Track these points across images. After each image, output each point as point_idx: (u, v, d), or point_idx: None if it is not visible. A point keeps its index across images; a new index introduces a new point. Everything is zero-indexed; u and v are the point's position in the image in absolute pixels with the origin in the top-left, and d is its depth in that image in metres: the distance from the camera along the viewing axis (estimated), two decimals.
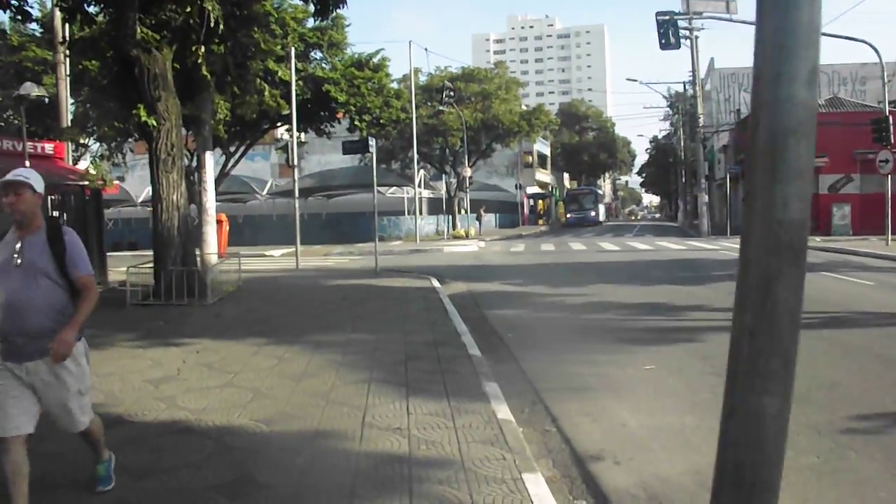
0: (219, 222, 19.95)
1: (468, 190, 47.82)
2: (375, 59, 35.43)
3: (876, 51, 28.51)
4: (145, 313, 13.21)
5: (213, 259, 16.63)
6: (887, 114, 27.74)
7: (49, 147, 19.86)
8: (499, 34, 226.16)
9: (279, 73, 29.28)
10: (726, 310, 12.47)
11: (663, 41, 28.58)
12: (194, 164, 18.23)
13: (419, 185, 45.53)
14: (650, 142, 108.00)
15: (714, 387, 7.65)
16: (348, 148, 21.63)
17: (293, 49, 25.01)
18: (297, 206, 23.72)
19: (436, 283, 17.48)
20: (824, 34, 31.33)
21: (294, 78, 24.68)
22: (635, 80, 62.45)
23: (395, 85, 37.30)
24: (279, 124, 35.53)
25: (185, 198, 14.42)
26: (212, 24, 14.07)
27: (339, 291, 16.00)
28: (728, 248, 29.95)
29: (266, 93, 18.45)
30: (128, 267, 14.36)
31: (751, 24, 28.75)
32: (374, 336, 10.63)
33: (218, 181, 39.28)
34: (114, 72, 14.77)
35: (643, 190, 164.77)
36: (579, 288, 16.73)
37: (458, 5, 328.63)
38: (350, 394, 7.42)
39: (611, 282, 17.86)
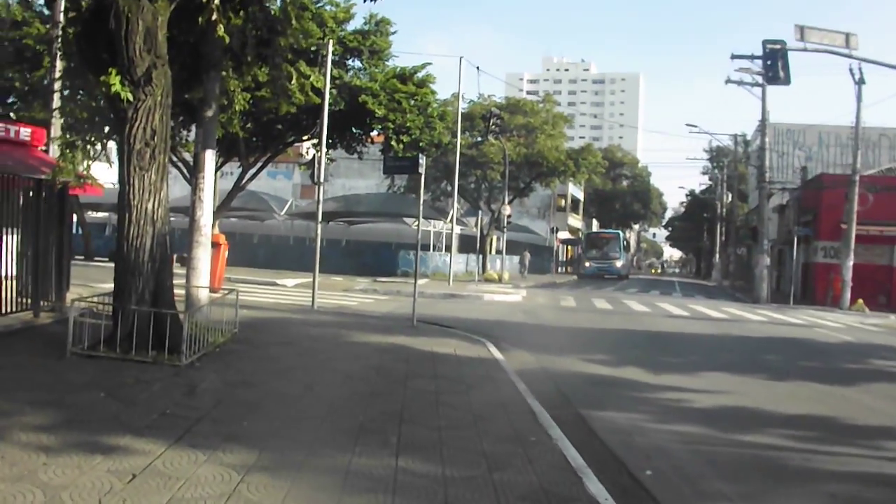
0: (216, 245, 15.60)
1: (505, 229, 43.58)
2: (420, 74, 31.40)
3: None
4: (87, 371, 8.89)
5: (204, 295, 12.37)
6: None
7: (25, 132, 15.76)
8: (533, 74, 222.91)
9: (312, 79, 25.35)
10: None
11: (770, 74, 24.46)
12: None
13: (451, 220, 41.34)
14: (686, 195, 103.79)
15: None
16: (392, 166, 17.47)
17: (330, 49, 20.89)
18: (318, 231, 19.48)
19: (495, 352, 13.10)
20: None
21: (328, 84, 20.59)
22: (695, 127, 58.43)
23: (438, 103, 33.26)
24: (305, 137, 31.58)
25: (165, 208, 10.17)
26: None
27: (369, 356, 11.62)
28: (815, 322, 25.52)
29: (294, 80, 14.27)
30: (72, 301, 10.02)
31: (872, 62, 24.54)
32: (437, 467, 6.29)
33: (231, 195, 35.32)
34: (83, 20, 10.55)
35: (667, 243, 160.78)
36: (690, 377, 12.40)
37: (491, 42, 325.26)
38: None
39: (724, 369, 13.47)
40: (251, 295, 22.10)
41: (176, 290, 12.23)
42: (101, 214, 56.21)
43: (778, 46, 24.08)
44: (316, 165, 19.25)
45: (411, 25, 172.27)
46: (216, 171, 35.82)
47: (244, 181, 34.22)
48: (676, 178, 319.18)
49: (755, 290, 40.72)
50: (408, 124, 29.67)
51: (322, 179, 19.19)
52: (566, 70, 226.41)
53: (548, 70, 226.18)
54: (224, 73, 13.95)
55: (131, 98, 9.62)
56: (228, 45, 12.55)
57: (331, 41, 21.35)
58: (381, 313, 19.55)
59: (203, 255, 12.44)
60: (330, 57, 20.22)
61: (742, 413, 9.92)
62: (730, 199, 75.96)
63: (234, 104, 14.73)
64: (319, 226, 19.55)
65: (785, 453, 8.03)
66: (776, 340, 19.25)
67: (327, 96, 20.22)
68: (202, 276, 12.43)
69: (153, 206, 9.91)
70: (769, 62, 24.25)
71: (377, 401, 8.54)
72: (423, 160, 16.03)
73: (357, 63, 31.16)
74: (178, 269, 13.83)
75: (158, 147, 9.94)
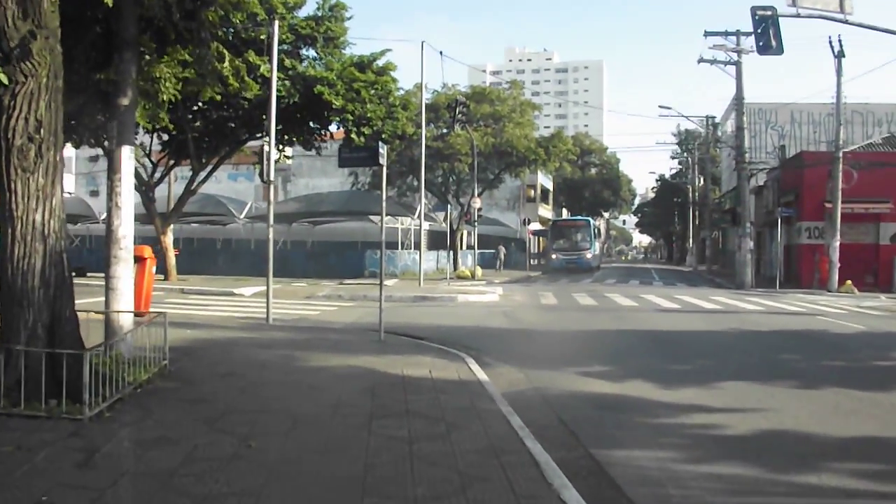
0: (140, 259, 13.40)
1: (476, 223, 41.62)
2: (380, 62, 29.43)
3: None
4: None
5: (127, 321, 10.29)
6: None
7: None
8: (496, 65, 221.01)
9: (262, 69, 23.39)
10: None
11: (761, 43, 22.65)
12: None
13: (419, 216, 39.34)
14: (656, 180, 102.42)
15: None
16: (348, 158, 15.36)
17: (276, 28, 18.81)
18: (270, 234, 17.41)
19: (478, 371, 11.04)
20: None
21: (275, 68, 18.53)
22: (668, 108, 56.83)
23: (400, 93, 31.30)
24: (259, 135, 29.49)
25: (60, 219, 8.09)
26: None
27: (327, 388, 9.49)
28: (813, 309, 23.80)
29: (226, 62, 12.19)
30: None
31: (868, 27, 22.76)
32: None
33: (182, 199, 33.17)
34: None
35: (636, 230, 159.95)
36: (708, 390, 10.50)
37: (453, 35, 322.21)
38: None
39: (743, 376, 11.52)
40: (201, 309, 20.12)
41: (96, 317, 10.22)
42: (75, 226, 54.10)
43: (769, 13, 22.30)
44: (265, 161, 17.16)
45: (367, 16, 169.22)
46: (167, 175, 33.76)
47: (196, 184, 32.14)
48: (643, 163, 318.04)
49: (738, 276, 39.10)
50: (368, 115, 27.74)
51: (272, 177, 17.12)
52: (529, 60, 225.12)
53: (510, 61, 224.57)
54: (148, 56, 11.90)
55: (6, 80, 7.56)
56: (149, 21, 10.55)
57: (276, 21, 19.21)
58: (345, 324, 17.52)
59: (124, 273, 10.33)
60: (276, 37, 18.10)
61: (787, 440, 8.04)
62: (702, 182, 74.64)
63: (162, 93, 12.61)
64: (271, 229, 17.45)
65: (867, 502, 6.18)
66: (785, 334, 17.39)
67: (274, 81, 18.10)
68: (124, 298, 10.31)
69: (42, 217, 7.84)
70: (759, 30, 22.48)
71: (332, 459, 6.52)
72: (383, 150, 13.96)
73: (312, 52, 29.23)
74: (96, 282, 11.65)
75: (46, 142, 7.87)
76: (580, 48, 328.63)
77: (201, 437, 7.10)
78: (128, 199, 10.40)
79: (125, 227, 10.35)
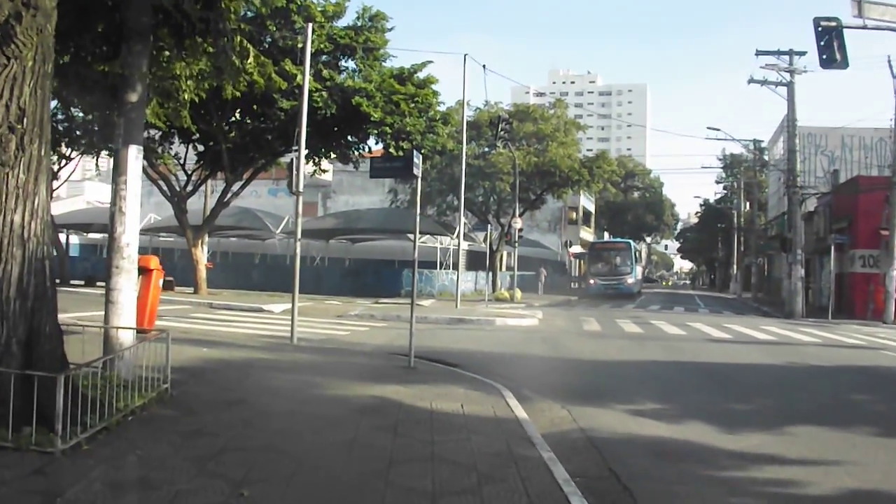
0: (146, 271, 12.34)
1: (517, 244, 40.41)
2: (421, 74, 28.46)
3: None
4: None
5: (128, 338, 9.28)
6: None
7: None
8: (539, 87, 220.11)
9: (298, 78, 22.54)
10: None
11: (824, 56, 21.28)
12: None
13: (458, 236, 38.25)
14: (700, 205, 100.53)
15: None
16: (381, 168, 14.34)
17: (310, 31, 17.90)
18: (297, 249, 16.35)
19: (516, 407, 9.77)
20: None
21: (308, 69, 17.63)
22: (717, 129, 55.36)
23: (441, 108, 30.26)
24: (296, 147, 28.68)
25: (43, 221, 7.11)
26: None
27: (343, 422, 8.32)
28: (874, 342, 22.29)
29: (251, 58, 11.17)
30: None
31: None
32: None
33: (215, 211, 32.39)
34: None
35: (678, 255, 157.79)
36: (777, 436, 9.18)
37: (496, 55, 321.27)
38: None
39: (813, 420, 10.17)
40: (226, 325, 19.17)
41: (97, 332, 9.25)
42: (93, 235, 53.94)
43: (833, 24, 20.96)
44: (294, 171, 16.19)
45: (408, 34, 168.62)
46: (200, 186, 33.02)
47: (228, 196, 31.36)
48: (687, 187, 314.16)
49: (788, 304, 37.55)
50: (407, 128, 26.76)
51: (300, 188, 16.15)
52: (572, 82, 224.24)
53: (553, 83, 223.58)
54: (167, 51, 10.99)
55: None
56: (166, 12, 9.61)
57: (311, 24, 18.29)
58: (374, 346, 16.39)
59: (126, 285, 9.31)
60: (309, 40, 17.18)
61: (881, 502, 6.80)
62: (748, 206, 73.01)
63: (182, 92, 11.67)
64: (298, 243, 16.44)
65: None
66: (851, 371, 15.99)
67: (307, 85, 17.18)
68: (125, 313, 9.30)
69: (22, 219, 6.83)
70: (822, 43, 21.11)
71: None
72: (418, 159, 12.87)
73: (351, 64, 28.36)
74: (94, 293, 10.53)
75: (30, 133, 6.87)
76: (624, 71, 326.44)
77: (188, 480, 6.00)
78: (133, 203, 9.39)
79: (129, 235, 9.35)
